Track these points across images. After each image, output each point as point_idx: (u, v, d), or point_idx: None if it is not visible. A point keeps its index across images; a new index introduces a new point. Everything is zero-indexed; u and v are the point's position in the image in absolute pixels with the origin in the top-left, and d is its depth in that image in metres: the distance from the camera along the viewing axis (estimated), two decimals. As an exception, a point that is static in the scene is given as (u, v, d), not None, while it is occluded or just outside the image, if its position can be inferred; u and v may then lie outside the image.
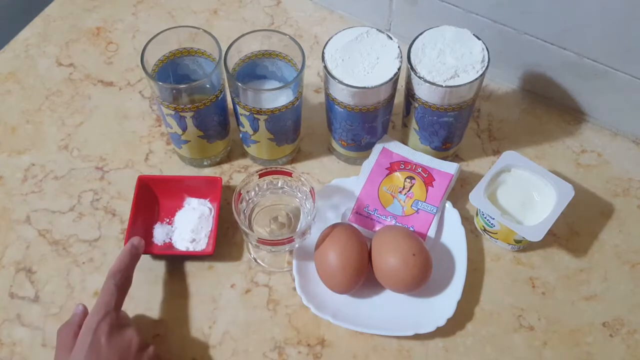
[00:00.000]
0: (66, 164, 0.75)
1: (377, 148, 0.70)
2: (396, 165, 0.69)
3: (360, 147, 0.71)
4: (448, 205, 0.68)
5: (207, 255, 0.67)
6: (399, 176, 0.69)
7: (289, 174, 0.63)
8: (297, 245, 0.63)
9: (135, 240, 0.63)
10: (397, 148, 0.70)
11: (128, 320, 0.60)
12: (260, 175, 0.63)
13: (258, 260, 0.68)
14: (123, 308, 0.60)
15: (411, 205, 0.68)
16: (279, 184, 0.65)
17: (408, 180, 0.68)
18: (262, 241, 0.61)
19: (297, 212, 0.67)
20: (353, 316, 0.64)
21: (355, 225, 0.67)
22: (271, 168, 0.63)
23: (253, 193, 0.65)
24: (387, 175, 0.69)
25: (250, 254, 0.69)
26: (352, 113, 0.65)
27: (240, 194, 0.62)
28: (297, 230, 0.64)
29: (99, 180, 0.74)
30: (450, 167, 0.68)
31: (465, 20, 0.74)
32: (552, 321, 0.65)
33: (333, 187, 0.70)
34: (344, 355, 0.63)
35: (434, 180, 0.68)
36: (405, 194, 0.68)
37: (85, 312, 0.61)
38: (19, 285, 0.67)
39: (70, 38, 0.85)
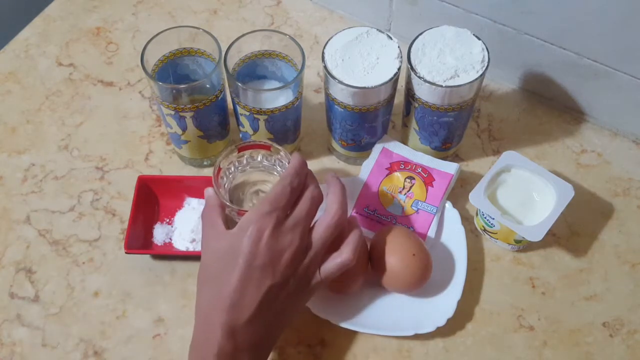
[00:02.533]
0: (66, 164, 0.75)
1: (377, 148, 0.70)
2: (396, 165, 0.69)
3: (360, 147, 0.71)
4: (448, 205, 0.68)
5: (207, 255, 0.67)
6: (399, 176, 0.69)
7: (267, 148, 0.63)
8: None
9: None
10: (397, 148, 0.70)
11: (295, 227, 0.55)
12: (239, 150, 0.63)
13: None
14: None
15: (411, 205, 0.68)
16: (259, 159, 0.65)
17: (408, 180, 0.68)
18: (243, 212, 0.61)
19: None
20: (353, 316, 0.64)
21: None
22: (249, 142, 0.63)
23: (233, 168, 0.65)
24: (387, 175, 0.69)
25: None
26: (352, 113, 0.65)
27: (220, 168, 0.62)
28: None
29: (99, 180, 0.74)
30: (450, 167, 0.68)
31: (465, 20, 0.74)
32: (552, 321, 0.65)
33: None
34: (344, 355, 0.63)
35: (434, 180, 0.68)
36: (405, 194, 0.68)
37: (213, 193, 0.59)
38: (19, 285, 0.67)
39: (70, 38, 0.85)
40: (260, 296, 0.53)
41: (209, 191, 0.60)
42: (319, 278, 0.56)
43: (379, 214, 0.68)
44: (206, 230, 0.57)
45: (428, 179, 0.68)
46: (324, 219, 0.57)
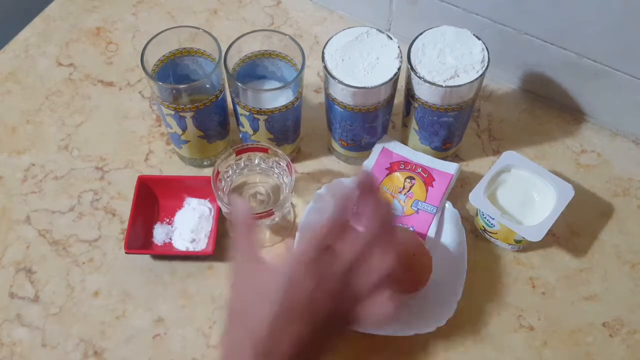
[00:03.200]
0: (66, 164, 0.75)
1: (377, 148, 0.70)
2: (396, 165, 0.69)
3: (360, 147, 0.71)
4: (448, 205, 0.68)
5: (207, 255, 0.67)
6: (399, 176, 0.69)
7: (265, 150, 0.64)
8: (276, 219, 0.64)
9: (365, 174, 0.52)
10: (397, 148, 0.70)
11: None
12: (237, 153, 0.64)
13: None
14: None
15: (411, 206, 0.68)
16: (256, 161, 0.66)
17: (408, 180, 0.68)
18: None
19: (277, 190, 0.68)
20: (353, 316, 0.63)
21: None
22: (247, 145, 0.64)
23: (231, 171, 0.65)
24: (387, 176, 0.69)
25: (231, 235, 0.70)
26: (352, 113, 0.65)
27: (218, 171, 0.63)
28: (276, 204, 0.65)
29: (99, 180, 0.74)
30: (450, 167, 0.68)
31: (465, 20, 0.74)
32: (552, 321, 0.65)
33: (333, 187, 0.70)
34: (344, 355, 0.63)
35: (434, 180, 0.68)
36: (405, 194, 0.68)
37: (247, 209, 0.52)
38: (19, 286, 0.67)
39: (70, 38, 0.85)
40: (293, 342, 0.48)
41: (239, 204, 0.53)
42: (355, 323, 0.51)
43: (379, 214, 0.68)
44: (241, 256, 0.52)
45: (428, 179, 0.68)
46: (380, 266, 0.50)
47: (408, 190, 0.68)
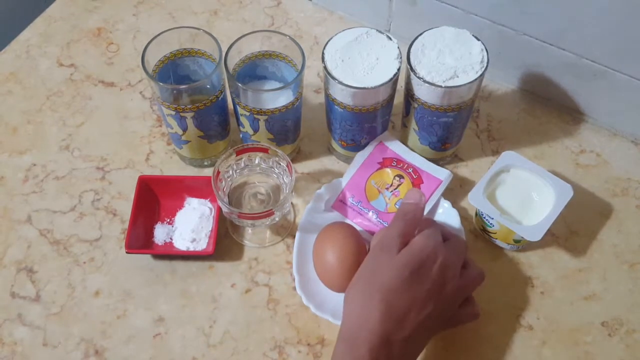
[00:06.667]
0: (67, 164, 0.75)
1: (375, 142, 0.70)
2: (388, 161, 0.69)
3: (360, 147, 0.71)
4: (448, 205, 0.69)
5: (207, 255, 0.67)
6: (389, 172, 0.69)
7: (265, 150, 0.64)
8: (276, 219, 0.65)
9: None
10: (393, 145, 0.70)
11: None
12: (237, 153, 0.64)
13: (244, 240, 0.70)
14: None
15: (395, 204, 0.68)
16: (256, 161, 0.66)
17: (397, 178, 0.69)
18: (243, 215, 0.62)
19: (277, 190, 0.68)
20: (353, 316, 0.64)
21: (336, 213, 0.68)
22: (247, 145, 0.64)
23: (231, 171, 0.66)
24: (377, 170, 0.69)
25: (232, 235, 0.70)
26: (351, 113, 0.65)
27: (218, 171, 0.63)
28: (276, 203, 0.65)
29: (100, 180, 0.74)
30: (441, 173, 0.68)
31: (465, 20, 0.74)
32: (551, 321, 0.65)
33: (333, 187, 0.70)
34: (344, 354, 0.63)
35: (422, 183, 0.68)
36: (392, 191, 0.68)
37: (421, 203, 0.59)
38: (20, 285, 0.67)
39: (71, 38, 0.85)
40: (414, 303, 0.54)
41: (416, 194, 0.60)
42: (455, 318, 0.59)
43: (362, 207, 0.68)
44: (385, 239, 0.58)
45: (417, 180, 0.68)
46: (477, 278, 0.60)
47: (395, 188, 0.68)
